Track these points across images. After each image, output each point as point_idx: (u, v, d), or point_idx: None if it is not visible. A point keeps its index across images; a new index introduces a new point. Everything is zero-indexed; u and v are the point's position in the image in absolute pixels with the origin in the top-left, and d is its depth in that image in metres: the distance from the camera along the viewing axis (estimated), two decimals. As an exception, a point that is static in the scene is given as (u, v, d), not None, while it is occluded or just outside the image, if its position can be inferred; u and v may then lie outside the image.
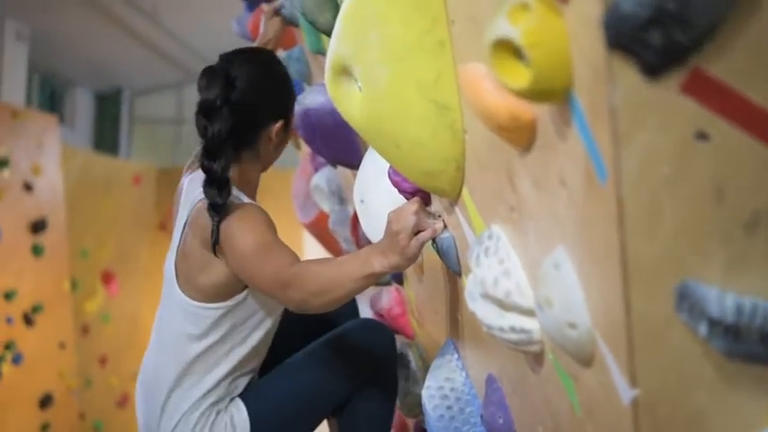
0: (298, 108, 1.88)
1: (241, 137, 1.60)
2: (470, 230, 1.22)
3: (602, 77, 0.66)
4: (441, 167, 1.19)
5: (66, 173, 5.65)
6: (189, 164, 1.85)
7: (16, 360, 4.83)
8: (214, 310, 1.57)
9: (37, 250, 5.09)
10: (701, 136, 0.63)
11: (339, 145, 1.92)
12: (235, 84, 1.57)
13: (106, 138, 7.90)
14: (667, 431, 0.74)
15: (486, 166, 1.07)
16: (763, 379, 0.67)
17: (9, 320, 4.82)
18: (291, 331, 1.77)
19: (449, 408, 1.44)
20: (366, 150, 1.78)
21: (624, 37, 0.62)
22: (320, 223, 2.80)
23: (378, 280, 1.42)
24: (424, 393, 1.47)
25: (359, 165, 1.80)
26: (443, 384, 1.47)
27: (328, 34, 1.62)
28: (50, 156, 5.35)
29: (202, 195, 1.53)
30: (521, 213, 0.97)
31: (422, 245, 1.31)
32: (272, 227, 1.52)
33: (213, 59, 1.66)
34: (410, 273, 1.80)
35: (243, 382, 1.66)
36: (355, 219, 2.19)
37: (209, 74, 1.59)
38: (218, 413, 1.60)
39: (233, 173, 1.58)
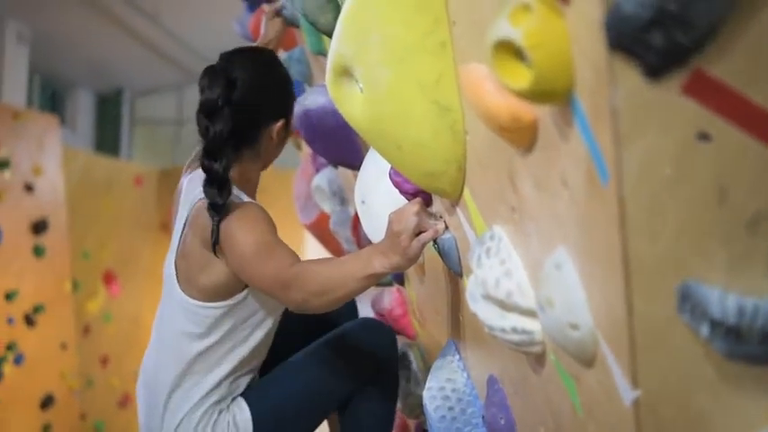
0: (299, 109, 1.88)
1: (242, 136, 1.60)
2: (472, 231, 1.22)
3: (604, 78, 0.66)
4: (442, 168, 1.19)
5: (68, 174, 5.65)
6: (188, 163, 1.85)
7: (17, 360, 4.83)
8: (214, 309, 1.57)
9: (38, 251, 5.09)
10: (703, 137, 0.63)
11: (340, 146, 1.92)
12: (236, 84, 1.58)
13: (107, 139, 7.91)
14: (669, 432, 0.75)
15: (488, 166, 1.07)
16: (765, 380, 0.67)
17: (10, 321, 4.82)
18: (291, 331, 1.78)
19: (450, 409, 1.44)
20: (367, 151, 1.78)
21: (625, 38, 0.62)
22: (321, 224, 2.80)
23: (379, 280, 1.42)
24: (426, 394, 1.47)
25: (360, 165, 1.81)
26: (445, 385, 1.47)
27: (329, 35, 1.62)
28: (51, 157, 5.36)
29: (202, 195, 1.53)
30: (522, 214, 0.97)
31: (423, 245, 1.31)
32: (272, 226, 1.52)
33: (214, 60, 1.66)
34: (411, 273, 1.80)
35: (244, 382, 1.66)
36: (356, 219, 2.19)
37: (210, 74, 1.59)
38: (220, 412, 1.61)
39: (233, 172, 1.59)
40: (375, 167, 1.64)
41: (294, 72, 2.33)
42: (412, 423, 2.23)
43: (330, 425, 1.95)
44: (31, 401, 4.99)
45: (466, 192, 1.20)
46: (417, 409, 1.95)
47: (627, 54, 0.63)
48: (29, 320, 4.98)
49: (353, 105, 1.23)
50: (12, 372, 4.78)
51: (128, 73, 7.65)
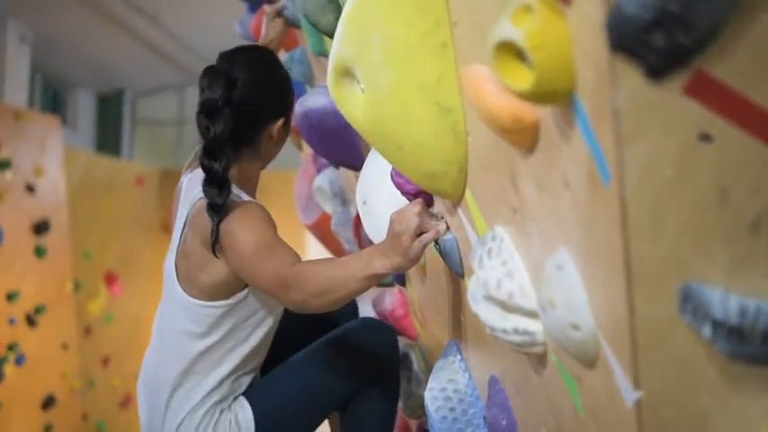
0: (300, 109, 1.88)
1: (242, 136, 1.60)
2: (473, 232, 1.22)
3: (605, 79, 0.66)
4: (443, 169, 1.19)
5: (69, 174, 5.66)
6: (188, 163, 1.85)
7: (19, 361, 4.84)
8: (215, 308, 1.57)
9: (39, 251, 5.10)
10: (705, 138, 0.63)
11: (341, 146, 1.92)
12: (236, 83, 1.57)
13: (108, 139, 7.92)
14: (671, 433, 0.75)
15: (489, 167, 1.07)
16: (767, 380, 0.67)
17: (12, 321, 4.82)
18: (292, 331, 1.78)
19: (452, 409, 1.44)
20: (368, 152, 1.78)
21: (627, 39, 0.62)
22: (322, 224, 2.80)
23: (379, 281, 1.41)
24: (427, 395, 1.47)
25: (361, 166, 1.81)
26: (446, 386, 1.46)
27: (330, 36, 1.62)
28: (53, 157, 5.36)
29: (202, 194, 1.53)
30: (524, 215, 0.97)
31: (424, 246, 1.31)
32: (272, 226, 1.52)
33: (215, 61, 1.66)
34: (413, 274, 1.80)
35: (246, 381, 1.66)
36: (358, 220, 2.19)
37: (210, 74, 1.59)
38: (221, 412, 1.61)
39: (233, 171, 1.59)
40: (376, 168, 1.64)
41: (295, 73, 2.33)
42: (413, 424, 2.23)
43: (331, 424, 1.95)
44: (32, 402, 5.00)
45: (467, 193, 1.20)
46: (419, 410, 1.95)
47: (628, 55, 0.63)
48: (30, 321, 4.98)
49: (355, 106, 1.23)
50: (13, 372, 4.79)
51: (129, 73, 7.65)
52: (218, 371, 1.60)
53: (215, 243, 1.49)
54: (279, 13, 2.11)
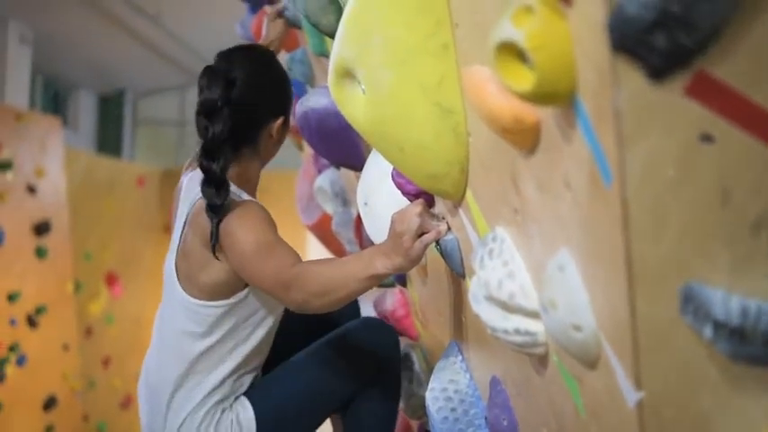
0: (301, 110, 1.88)
1: (242, 136, 1.60)
2: (474, 232, 1.22)
3: (607, 80, 0.66)
4: (444, 170, 1.19)
5: (70, 175, 5.66)
6: (188, 162, 1.85)
7: (20, 362, 4.84)
8: (215, 308, 1.57)
9: (40, 252, 5.10)
10: (706, 138, 0.63)
11: (342, 147, 1.92)
12: (235, 83, 1.57)
13: (109, 140, 7.92)
14: (672, 433, 0.75)
15: (490, 168, 1.07)
16: (769, 381, 0.67)
17: (13, 322, 4.83)
18: (293, 330, 1.78)
19: (453, 410, 1.44)
20: (369, 153, 1.78)
21: (629, 40, 0.62)
22: (323, 225, 2.80)
23: (380, 281, 1.41)
24: (428, 395, 1.47)
25: (362, 167, 1.81)
26: (447, 386, 1.46)
27: (331, 36, 1.62)
28: (54, 158, 5.37)
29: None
30: (525, 216, 0.97)
31: (425, 247, 1.31)
32: (272, 225, 1.52)
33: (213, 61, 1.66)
34: (414, 274, 1.80)
35: (247, 381, 1.66)
36: (359, 221, 2.19)
37: (209, 74, 1.59)
38: (223, 411, 1.61)
39: (233, 171, 1.59)
40: (377, 169, 1.64)
41: (296, 73, 2.34)
42: (414, 424, 2.23)
43: (333, 424, 1.95)
44: (33, 403, 5.00)
45: (468, 193, 1.20)
46: (420, 410, 1.95)
47: (630, 56, 0.63)
48: (31, 322, 4.99)
49: (356, 107, 1.23)
50: (14, 373, 4.79)
51: (130, 74, 7.66)
52: (219, 370, 1.60)
53: (215, 244, 1.49)
54: (280, 14, 2.11)
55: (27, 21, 5.85)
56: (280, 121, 1.67)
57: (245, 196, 1.60)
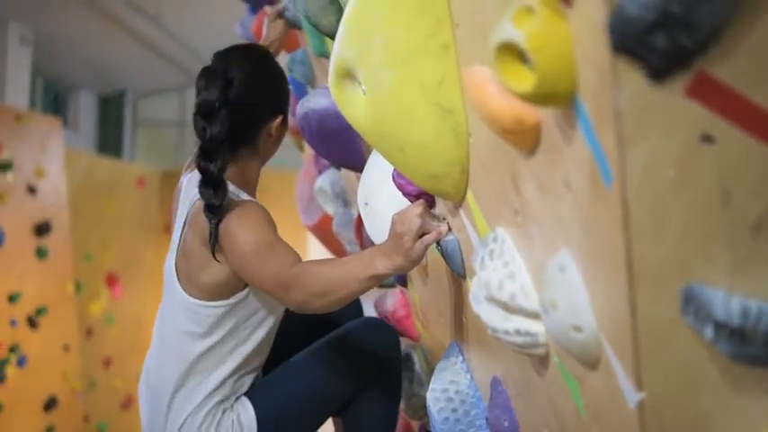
0: (301, 111, 1.88)
1: (241, 136, 1.60)
2: (475, 233, 1.22)
3: (607, 81, 0.66)
4: (445, 170, 1.19)
5: (70, 175, 5.66)
6: (188, 163, 1.85)
7: (21, 363, 4.84)
8: (216, 308, 1.57)
9: (41, 253, 5.10)
10: (707, 139, 0.63)
11: (343, 148, 1.92)
12: (233, 83, 1.57)
13: (110, 140, 7.92)
14: (673, 434, 0.74)
15: (491, 169, 1.07)
16: (769, 382, 0.67)
17: (13, 323, 4.83)
18: (293, 331, 1.78)
19: (454, 410, 1.44)
20: (370, 153, 1.78)
21: (629, 40, 0.62)
22: (324, 226, 2.80)
23: (381, 282, 1.41)
24: (429, 396, 1.47)
25: (362, 168, 1.81)
26: (448, 387, 1.46)
27: (332, 37, 1.62)
28: (54, 158, 5.37)
29: None
30: (525, 216, 0.97)
31: (426, 247, 1.31)
32: (272, 225, 1.52)
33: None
34: (414, 275, 1.80)
35: (248, 381, 1.66)
36: (359, 221, 2.19)
37: (206, 74, 1.59)
38: (224, 412, 1.61)
39: (232, 171, 1.59)
40: (378, 169, 1.64)
41: (297, 74, 2.34)
42: (415, 424, 2.23)
43: (335, 424, 1.95)
44: (34, 403, 5.00)
45: (469, 194, 1.20)
46: (421, 411, 1.95)
47: (630, 56, 0.63)
48: (32, 322, 4.99)
49: (356, 108, 1.23)
50: (15, 374, 4.79)
51: (130, 74, 7.66)
52: (219, 371, 1.60)
53: (214, 245, 1.49)
54: (280, 15, 2.11)
55: (27, 21, 5.85)
56: (279, 119, 1.67)
57: (244, 196, 1.60)
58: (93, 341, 6.14)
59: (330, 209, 2.58)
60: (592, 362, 0.84)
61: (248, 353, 1.62)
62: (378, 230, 1.62)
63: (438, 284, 1.58)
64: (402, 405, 1.93)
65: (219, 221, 1.49)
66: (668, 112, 0.63)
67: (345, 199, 2.50)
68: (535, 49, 0.72)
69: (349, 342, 1.75)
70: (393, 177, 1.44)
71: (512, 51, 0.75)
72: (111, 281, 6.49)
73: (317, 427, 1.77)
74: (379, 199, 1.64)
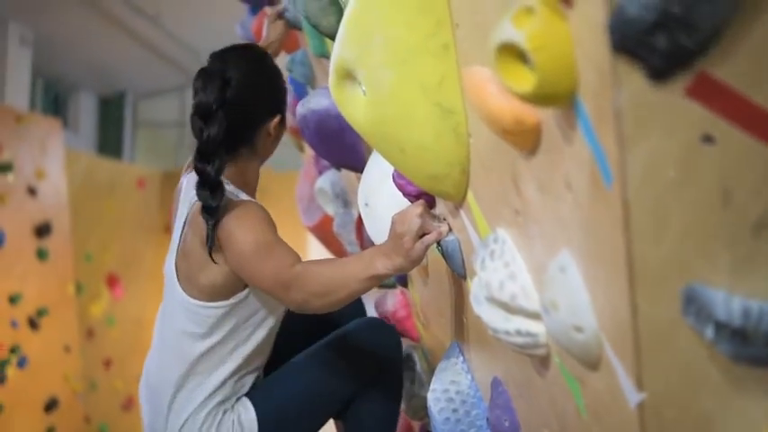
0: (301, 111, 1.88)
1: (240, 136, 1.60)
2: (475, 234, 1.22)
3: (608, 81, 0.66)
4: (445, 171, 1.19)
5: (70, 176, 5.66)
6: (188, 163, 1.85)
7: (21, 364, 4.84)
8: (215, 308, 1.57)
9: (41, 254, 5.10)
10: (707, 139, 0.63)
11: (343, 148, 1.92)
12: (231, 84, 1.57)
13: (110, 141, 7.92)
14: (674, 434, 0.74)
15: (491, 169, 1.07)
16: (770, 382, 0.67)
17: (14, 324, 4.82)
18: (294, 331, 1.78)
19: (454, 411, 1.44)
20: (370, 154, 1.78)
21: (629, 41, 0.62)
22: (324, 226, 2.80)
23: (381, 282, 1.42)
24: (430, 396, 1.47)
25: (362, 168, 1.81)
26: (449, 387, 1.46)
27: (332, 38, 1.62)
28: (54, 160, 5.37)
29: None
30: (526, 217, 0.97)
31: (426, 247, 1.31)
32: (272, 225, 1.52)
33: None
34: (415, 275, 1.80)
35: (249, 381, 1.66)
36: (360, 222, 2.19)
37: (204, 75, 1.59)
38: (224, 412, 1.61)
39: (232, 171, 1.59)
40: (378, 170, 1.64)
41: (297, 75, 2.34)
42: (416, 425, 2.23)
43: (336, 426, 1.95)
44: (35, 405, 5.00)
45: (469, 194, 1.20)
46: (421, 411, 1.95)
47: (630, 56, 0.63)
48: (32, 324, 4.98)
49: (356, 108, 1.23)
50: (16, 375, 4.79)
51: (130, 75, 7.66)
52: (220, 371, 1.60)
53: (212, 246, 1.49)
54: (280, 15, 2.11)
55: (27, 22, 5.85)
56: (277, 118, 1.67)
57: (243, 196, 1.59)
58: (94, 342, 6.14)
59: (330, 209, 2.58)
60: (592, 362, 0.84)
61: (248, 353, 1.62)
62: (378, 231, 1.62)
63: (438, 285, 1.58)
64: (403, 405, 1.93)
65: (216, 223, 1.49)
66: (668, 112, 0.63)
67: (346, 199, 2.50)
68: (535, 50, 0.72)
69: (350, 343, 1.75)
70: (393, 178, 1.44)
71: (512, 52, 0.75)
72: (112, 282, 6.49)
73: (318, 428, 1.77)
74: (380, 199, 1.64)
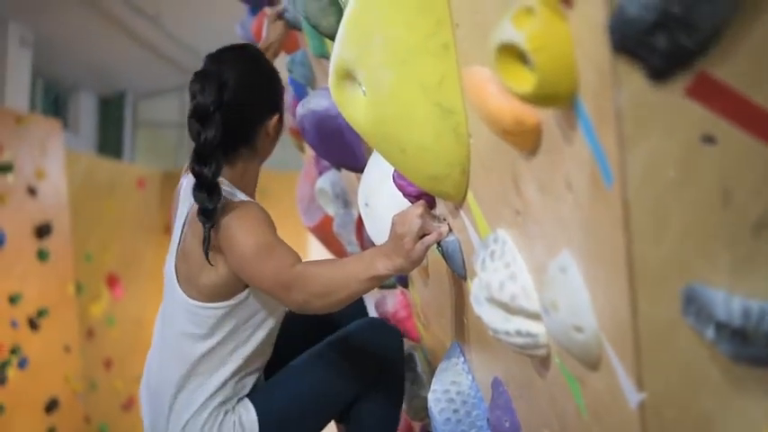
0: (302, 112, 1.88)
1: (239, 136, 1.60)
2: (476, 234, 1.22)
3: (608, 81, 0.66)
4: (445, 171, 1.19)
5: (70, 177, 5.66)
6: (188, 164, 1.85)
7: (22, 364, 4.84)
8: (215, 309, 1.57)
9: (42, 254, 5.10)
10: (707, 139, 0.63)
11: (343, 149, 1.92)
12: (228, 85, 1.57)
13: (110, 141, 7.93)
14: (674, 434, 0.74)
15: (491, 169, 1.07)
16: (771, 382, 0.67)
17: (14, 325, 4.83)
18: (294, 332, 1.77)
19: (455, 411, 1.44)
20: (370, 154, 1.78)
21: (629, 41, 0.62)
22: (325, 227, 2.80)
23: (381, 282, 1.42)
24: (431, 397, 1.47)
25: (363, 168, 1.81)
26: (449, 388, 1.46)
27: (331, 38, 1.62)
28: (54, 160, 5.37)
29: None
30: (526, 217, 0.97)
31: (427, 248, 1.31)
32: (272, 226, 1.52)
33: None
34: (415, 276, 1.80)
35: (250, 382, 1.66)
36: (360, 222, 2.19)
37: (201, 78, 1.59)
38: (225, 413, 1.61)
39: (232, 172, 1.59)
40: (378, 170, 1.64)
41: (297, 75, 2.34)
42: (417, 425, 2.23)
43: (338, 428, 1.95)
44: (35, 405, 5.00)
45: (470, 195, 1.20)
46: (422, 412, 1.95)
47: (630, 57, 0.63)
48: (32, 324, 4.99)
49: (356, 108, 1.23)
50: (16, 375, 4.79)
51: (130, 76, 7.66)
52: (220, 372, 1.60)
53: (208, 249, 1.49)
54: (280, 16, 2.11)
55: (27, 23, 5.85)
56: (275, 118, 1.67)
57: (241, 196, 1.59)
58: (94, 342, 6.14)
59: (331, 210, 2.58)
60: (593, 362, 0.84)
61: (249, 354, 1.61)
62: (378, 231, 1.62)
63: (439, 285, 1.57)
64: (404, 406, 1.93)
65: (213, 225, 1.48)
66: (669, 112, 0.63)
67: (346, 200, 2.50)
68: (535, 50, 0.72)
69: (351, 343, 1.75)
70: (393, 178, 1.44)
71: (512, 52, 0.75)
72: (112, 282, 6.49)
73: (320, 429, 1.77)
74: (380, 200, 1.64)
